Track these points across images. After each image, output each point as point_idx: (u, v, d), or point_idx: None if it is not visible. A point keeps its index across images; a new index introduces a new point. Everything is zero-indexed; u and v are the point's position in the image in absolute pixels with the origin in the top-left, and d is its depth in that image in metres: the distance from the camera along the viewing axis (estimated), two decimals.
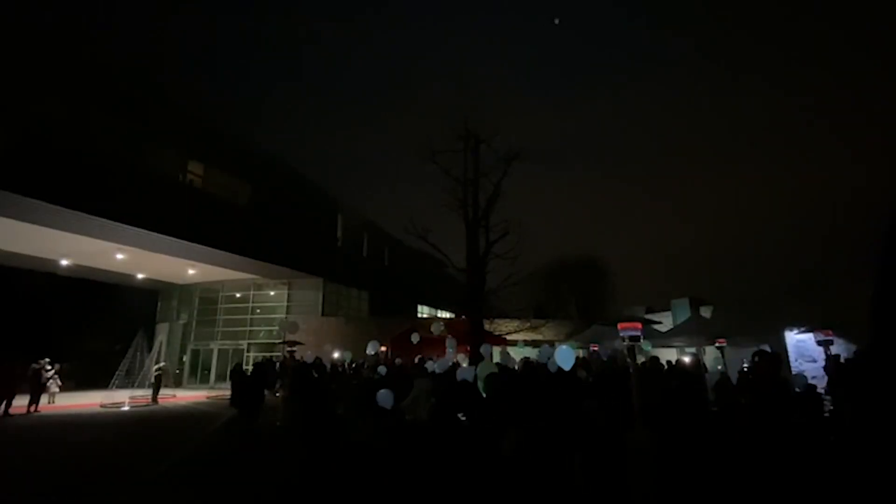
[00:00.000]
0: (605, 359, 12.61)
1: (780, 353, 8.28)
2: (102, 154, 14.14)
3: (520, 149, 13.89)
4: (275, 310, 23.61)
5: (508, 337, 16.57)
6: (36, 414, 13.05)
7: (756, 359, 5.89)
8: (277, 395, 14.73)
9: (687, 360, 13.02)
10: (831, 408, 7.20)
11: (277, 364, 16.49)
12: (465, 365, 12.24)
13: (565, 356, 8.26)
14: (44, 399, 14.18)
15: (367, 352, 13.25)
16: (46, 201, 12.20)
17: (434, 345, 15.19)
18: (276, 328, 22.72)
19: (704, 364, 12.33)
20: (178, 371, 23.60)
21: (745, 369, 9.88)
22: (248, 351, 22.66)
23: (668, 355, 14.35)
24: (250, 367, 19.94)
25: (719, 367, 10.67)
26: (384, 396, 7.67)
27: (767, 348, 12.55)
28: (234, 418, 10.95)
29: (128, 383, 14.96)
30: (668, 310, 19.12)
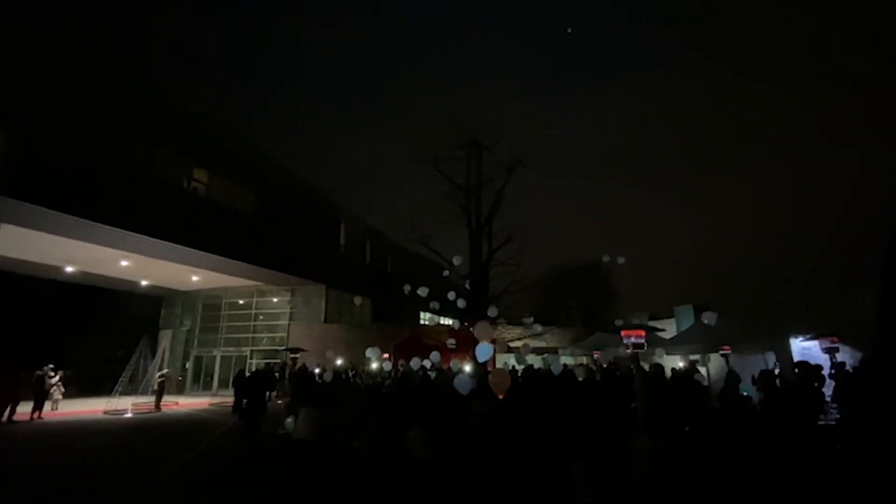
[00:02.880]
0: (604, 365, 12.56)
1: (821, 365, 8.31)
2: (107, 161, 14.25)
3: (522, 156, 13.94)
4: (278, 316, 23.62)
5: (511, 344, 16.52)
6: (39, 421, 13.04)
7: (797, 370, 5.87)
8: (279, 402, 14.73)
9: (687, 366, 12.95)
10: (837, 416, 7.14)
11: (284, 369, 16.51)
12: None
13: (483, 351, 8.78)
14: (47, 406, 14.18)
15: (368, 356, 13.28)
16: (51, 209, 12.30)
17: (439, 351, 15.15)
18: (278, 335, 22.79)
19: (708, 371, 12.26)
20: (180, 378, 23.59)
21: (776, 372, 9.89)
22: (250, 358, 22.64)
23: (672, 363, 14.26)
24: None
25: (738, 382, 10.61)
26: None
27: (772, 355, 12.51)
28: (236, 425, 10.92)
29: (131, 390, 14.95)
30: (672, 316, 19.04)
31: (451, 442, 3.84)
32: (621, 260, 13.24)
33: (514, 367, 15.45)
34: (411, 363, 11.41)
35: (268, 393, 11.73)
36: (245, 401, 10.69)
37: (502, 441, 4.89)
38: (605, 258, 13.37)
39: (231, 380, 16.74)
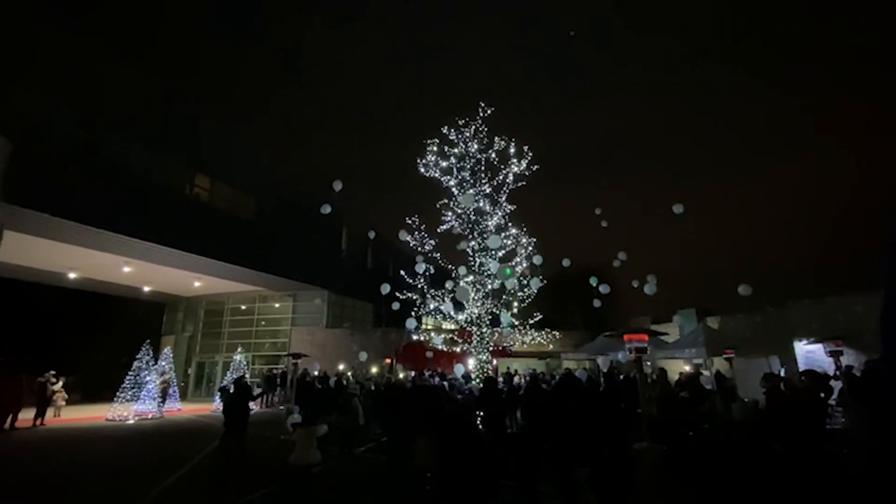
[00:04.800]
0: (604, 370, 12.50)
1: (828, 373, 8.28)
2: (110, 168, 14.33)
3: (526, 162, 13.90)
4: (280, 322, 23.61)
5: (513, 348, 16.43)
6: (42, 427, 13.04)
7: (803, 378, 5.81)
8: (281, 407, 14.70)
9: (693, 370, 12.88)
10: (843, 419, 7.09)
11: (285, 375, 16.47)
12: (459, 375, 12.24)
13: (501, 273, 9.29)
14: (50, 412, 14.18)
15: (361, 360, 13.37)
16: (54, 215, 12.35)
17: (440, 357, 15.13)
18: (280, 340, 22.77)
19: (711, 375, 12.19)
20: (182, 384, 23.56)
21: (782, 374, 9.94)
22: (253, 363, 22.62)
23: (675, 367, 14.20)
24: (256, 379, 19.93)
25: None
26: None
27: (777, 360, 12.44)
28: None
29: (133, 396, 14.94)
30: (675, 320, 18.98)
31: (458, 449, 3.81)
32: (600, 214, 13.51)
33: (516, 370, 15.43)
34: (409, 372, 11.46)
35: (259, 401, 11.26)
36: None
37: (508, 448, 4.87)
38: (598, 211, 13.58)
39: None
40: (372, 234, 14.85)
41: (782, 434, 5.15)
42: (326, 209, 12.63)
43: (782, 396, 5.59)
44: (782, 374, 11.02)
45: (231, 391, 10.27)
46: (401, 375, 15.19)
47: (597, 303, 13.90)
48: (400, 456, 7.21)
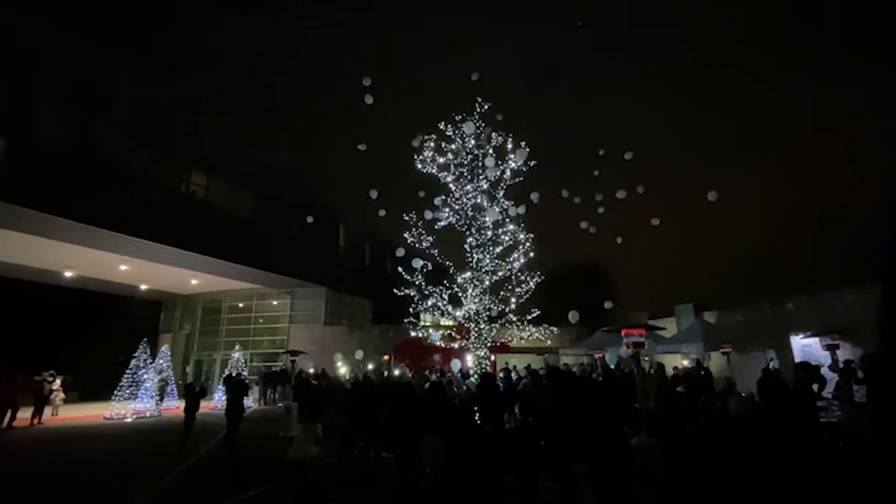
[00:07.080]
0: (611, 366, 12.49)
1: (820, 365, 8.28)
2: (105, 165, 14.26)
3: (524, 160, 13.85)
4: (278, 319, 23.59)
5: (511, 344, 16.45)
6: (40, 426, 13.02)
7: (796, 371, 5.83)
8: (280, 405, 14.72)
9: (693, 365, 12.91)
10: (839, 413, 7.14)
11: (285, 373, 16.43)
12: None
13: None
14: (48, 411, 14.16)
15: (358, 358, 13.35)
16: (50, 213, 12.29)
17: (438, 353, 15.14)
18: (279, 338, 22.74)
19: (710, 370, 12.24)
20: (181, 382, 23.54)
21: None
22: (251, 361, 22.61)
23: (672, 362, 14.25)
24: (256, 377, 19.92)
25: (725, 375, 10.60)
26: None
27: (774, 354, 12.49)
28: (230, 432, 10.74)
29: (131, 395, 14.91)
30: (672, 315, 19.03)
31: (463, 446, 3.80)
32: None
33: (514, 366, 15.44)
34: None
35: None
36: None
37: (507, 444, 4.88)
38: (601, 152, 13.49)
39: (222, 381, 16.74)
40: (372, 223, 14.70)
41: (775, 427, 5.18)
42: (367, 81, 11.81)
43: (773, 388, 5.62)
44: (772, 366, 11.08)
45: (196, 389, 10.33)
46: (396, 372, 15.18)
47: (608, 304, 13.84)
48: (402, 453, 7.20)
